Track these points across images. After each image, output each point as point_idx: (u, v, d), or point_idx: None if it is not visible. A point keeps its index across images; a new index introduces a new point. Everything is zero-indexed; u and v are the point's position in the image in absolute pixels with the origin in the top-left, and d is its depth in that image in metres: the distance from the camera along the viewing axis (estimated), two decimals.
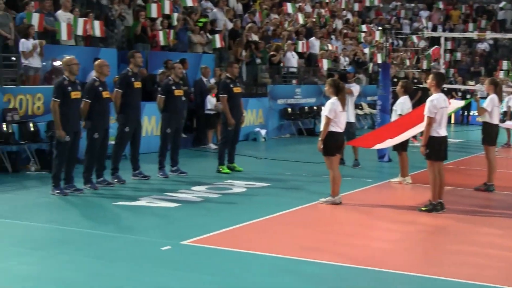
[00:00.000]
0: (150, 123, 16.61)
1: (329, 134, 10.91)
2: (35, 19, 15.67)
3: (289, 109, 22.34)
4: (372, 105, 24.55)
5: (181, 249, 8.13)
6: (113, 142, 12.73)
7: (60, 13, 16.90)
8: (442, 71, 20.45)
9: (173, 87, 13.43)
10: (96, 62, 12.18)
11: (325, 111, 11.04)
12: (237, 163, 14.47)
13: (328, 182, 11.19)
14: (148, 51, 18.82)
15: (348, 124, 14.93)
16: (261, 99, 21.17)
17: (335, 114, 10.92)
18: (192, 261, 7.68)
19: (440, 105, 10.53)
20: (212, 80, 18.74)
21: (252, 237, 8.97)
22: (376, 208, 11.12)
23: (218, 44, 20.94)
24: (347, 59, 26.52)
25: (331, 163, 11.02)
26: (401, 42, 30.24)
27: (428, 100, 10.61)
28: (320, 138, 10.98)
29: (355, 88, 15.53)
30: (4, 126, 13.51)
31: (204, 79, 18.50)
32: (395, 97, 14.36)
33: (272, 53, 22.82)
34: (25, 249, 8.08)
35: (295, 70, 23.90)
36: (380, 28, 31.18)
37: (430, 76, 10.99)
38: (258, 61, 22.20)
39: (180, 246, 8.21)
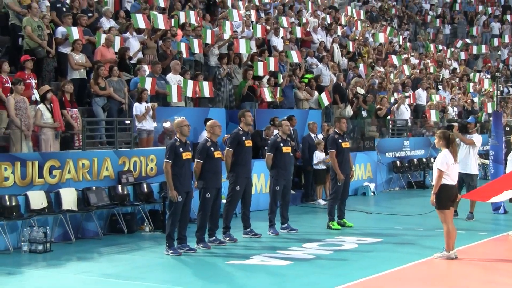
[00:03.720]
0: (259, 180, 16.74)
1: (442, 187, 10.71)
2: (148, 83, 16.21)
3: (398, 162, 22.06)
4: (484, 155, 23.91)
5: None
6: (224, 201, 12.89)
7: (170, 76, 17.44)
8: None
9: (281, 144, 13.54)
10: (208, 123, 12.44)
11: (436, 164, 10.86)
12: (347, 219, 14.36)
13: (442, 236, 10.94)
14: (255, 108, 19.11)
15: (469, 176, 14.65)
16: (369, 153, 21.01)
17: (447, 166, 10.73)
18: None
19: None
20: (320, 136, 18.78)
21: None
22: (495, 262, 10.75)
23: (325, 99, 21.03)
24: (455, 109, 26.07)
25: (445, 217, 10.78)
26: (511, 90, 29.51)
27: None
28: (432, 192, 10.79)
29: (477, 139, 15.18)
30: (119, 188, 13.92)
31: (312, 135, 18.57)
32: (509, 147, 13.99)
33: (378, 106, 22.70)
34: None
35: (403, 122, 23.65)
36: (489, 76, 30.52)
37: None
38: (365, 114, 22.13)
39: None
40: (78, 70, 16.07)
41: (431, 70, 28.98)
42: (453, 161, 10.83)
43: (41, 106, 13.70)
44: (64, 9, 17.48)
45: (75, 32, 16.42)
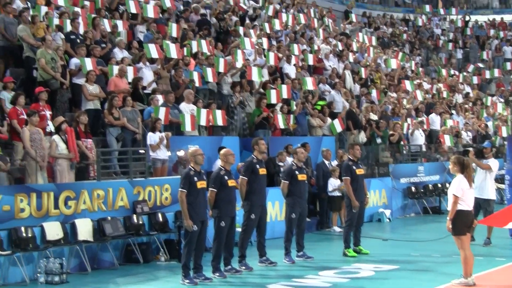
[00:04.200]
0: (274, 208, 16.71)
1: (458, 213, 10.66)
2: (162, 112, 16.27)
3: (413, 188, 21.97)
4: (500, 179, 23.77)
5: None
6: (239, 229, 12.87)
7: (183, 105, 17.51)
8: None
9: (296, 172, 13.53)
10: (222, 152, 12.47)
11: (451, 190, 10.82)
12: (363, 246, 14.29)
13: (459, 262, 10.87)
14: (269, 136, 19.12)
15: (486, 201, 14.57)
16: (384, 179, 20.95)
17: (462, 192, 10.69)
18: None
19: None
20: (334, 162, 18.75)
21: None
22: None
23: (338, 126, 21.03)
24: (469, 133, 25.99)
25: (462, 243, 10.71)
26: None
27: None
28: (448, 218, 10.73)
29: (494, 164, 15.12)
30: (134, 218, 13.92)
31: (326, 162, 18.55)
32: None
33: (391, 132, 22.67)
34: None
35: (417, 148, 23.58)
36: (502, 100, 30.45)
37: None
38: (379, 140, 22.10)
39: None
40: (92, 101, 16.16)
41: (444, 95, 28.96)
42: (468, 186, 10.79)
43: (56, 137, 13.77)
44: (78, 40, 17.62)
45: (89, 63, 16.54)
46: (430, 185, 22.65)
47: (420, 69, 32.42)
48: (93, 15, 19.51)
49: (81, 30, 18.20)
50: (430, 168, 23.20)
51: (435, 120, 25.35)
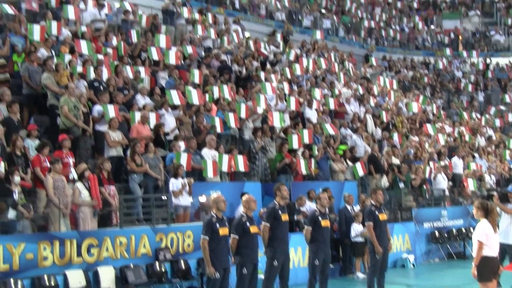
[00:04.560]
0: (297, 254, 16.60)
1: (483, 259, 10.52)
2: (184, 158, 16.33)
3: (437, 233, 21.73)
4: None
5: None
6: (262, 276, 12.76)
7: (205, 151, 17.55)
8: None
9: (320, 218, 13.43)
10: (244, 198, 12.43)
11: (476, 235, 10.69)
12: None
13: None
14: (291, 181, 19.08)
15: (510, 247, 14.34)
16: (407, 224, 20.76)
17: (487, 237, 10.56)
18: None
19: None
20: (357, 207, 18.65)
21: None
22: None
23: (360, 171, 20.97)
24: (493, 177, 25.76)
25: None
26: None
27: None
28: (473, 264, 10.59)
29: None
30: (157, 265, 13.89)
31: (348, 207, 18.45)
32: None
33: (413, 176, 22.53)
34: None
35: (440, 192, 23.39)
36: None
37: None
38: (402, 185, 21.96)
39: None
40: (115, 148, 16.26)
41: (466, 138, 28.80)
42: (493, 232, 10.66)
43: (79, 184, 13.86)
44: (101, 88, 17.79)
45: (111, 110, 16.69)
46: (454, 230, 22.38)
47: (442, 112, 32.34)
48: (116, 62, 19.75)
49: (104, 77, 18.39)
50: (454, 212, 22.97)
51: (457, 164, 25.16)
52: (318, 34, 31.68)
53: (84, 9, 21.91)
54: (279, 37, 30.83)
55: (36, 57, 17.24)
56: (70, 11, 20.61)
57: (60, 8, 21.04)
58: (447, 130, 28.31)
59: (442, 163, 24.37)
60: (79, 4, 21.75)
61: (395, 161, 22.73)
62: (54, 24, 19.28)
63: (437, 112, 31.46)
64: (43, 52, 18.02)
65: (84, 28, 20.57)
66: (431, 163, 23.93)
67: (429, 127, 26.80)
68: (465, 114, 32.54)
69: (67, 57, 18.49)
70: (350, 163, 21.25)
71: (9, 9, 19.02)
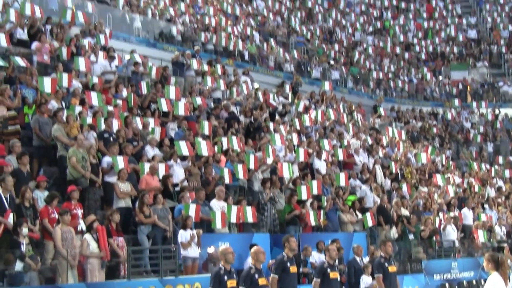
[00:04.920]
0: None
1: None
2: (192, 210, 16.31)
3: (447, 285, 21.49)
4: None
5: None
6: None
7: (214, 202, 17.53)
8: None
9: (328, 270, 13.34)
10: (252, 250, 12.34)
11: None
12: None
13: None
14: (300, 233, 18.99)
15: None
16: (417, 276, 20.56)
17: None
18: None
19: None
20: (366, 259, 18.50)
21: None
22: None
23: (369, 222, 20.87)
24: (503, 228, 25.57)
25: None
26: None
27: None
28: None
29: None
30: None
31: (357, 258, 18.29)
32: None
33: (422, 227, 22.40)
34: None
35: (450, 243, 23.22)
36: None
37: None
38: (411, 236, 21.82)
39: None
40: (124, 199, 16.28)
41: (476, 189, 28.68)
42: (504, 285, 10.54)
43: (87, 236, 13.85)
44: (111, 139, 17.90)
45: (121, 161, 16.74)
46: (464, 282, 22.14)
47: (451, 162, 32.27)
48: (126, 114, 19.88)
49: (114, 128, 18.51)
50: (464, 264, 22.74)
51: (467, 215, 25.00)
52: (327, 85, 31.87)
53: (95, 61, 22.15)
54: (288, 88, 30.98)
55: (46, 109, 17.40)
56: (81, 63, 20.87)
57: (71, 60, 21.30)
58: (457, 181, 28.22)
59: (451, 214, 24.24)
60: (90, 56, 22.02)
61: (404, 212, 22.63)
62: (65, 76, 19.48)
63: (446, 163, 31.38)
64: (53, 104, 18.20)
65: (95, 80, 20.76)
66: (440, 214, 23.82)
67: (438, 178, 26.72)
68: (474, 165, 32.43)
69: (78, 108, 18.65)
70: (359, 214, 21.17)
71: (21, 62, 19.28)
